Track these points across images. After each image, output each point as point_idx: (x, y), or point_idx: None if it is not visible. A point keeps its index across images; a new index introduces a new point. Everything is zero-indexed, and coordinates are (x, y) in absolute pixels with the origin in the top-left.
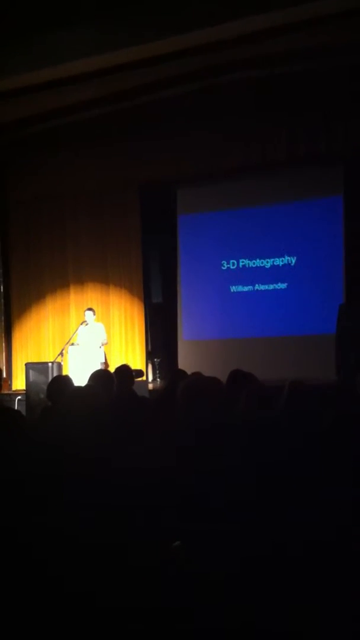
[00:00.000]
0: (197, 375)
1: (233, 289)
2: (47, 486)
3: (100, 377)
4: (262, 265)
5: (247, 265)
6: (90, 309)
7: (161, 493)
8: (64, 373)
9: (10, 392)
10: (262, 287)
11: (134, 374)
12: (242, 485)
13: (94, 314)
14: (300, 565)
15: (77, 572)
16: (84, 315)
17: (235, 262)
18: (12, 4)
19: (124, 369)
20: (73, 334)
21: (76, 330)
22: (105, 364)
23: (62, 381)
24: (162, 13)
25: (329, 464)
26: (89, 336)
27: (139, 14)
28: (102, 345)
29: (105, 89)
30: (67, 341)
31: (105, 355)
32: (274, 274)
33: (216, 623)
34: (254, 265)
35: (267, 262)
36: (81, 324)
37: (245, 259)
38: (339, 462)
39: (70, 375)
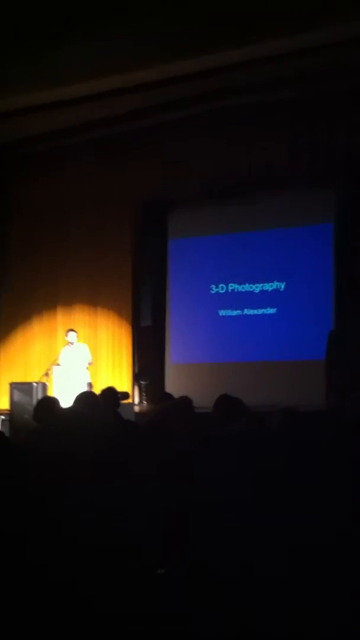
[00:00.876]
0: (179, 399)
1: (222, 312)
2: (39, 507)
3: (86, 399)
4: (251, 289)
5: (236, 290)
6: (72, 330)
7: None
8: (49, 394)
9: None
10: (251, 312)
11: (119, 396)
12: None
13: (76, 334)
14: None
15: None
16: (67, 336)
17: (225, 286)
18: (18, 24)
19: (109, 392)
20: (57, 356)
21: (61, 351)
22: (90, 384)
23: (50, 402)
24: (164, 37)
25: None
26: (74, 357)
27: (140, 37)
28: (88, 365)
29: (102, 111)
30: (52, 362)
31: (89, 376)
32: (263, 298)
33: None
34: (243, 290)
35: (257, 287)
36: (66, 345)
37: (234, 283)
38: (330, 484)
39: (56, 396)
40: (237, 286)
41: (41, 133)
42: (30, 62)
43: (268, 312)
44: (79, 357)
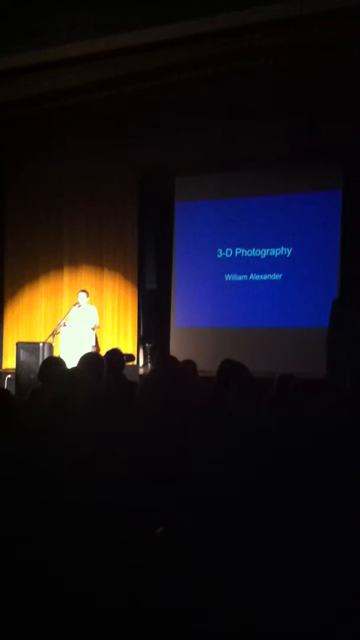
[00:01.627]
0: (183, 363)
1: (228, 277)
2: (37, 469)
3: (90, 360)
4: (257, 255)
5: (242, 254)
6: (83, 291)
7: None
8: (55, 354)
9: (0, 370)
10: (257, 277)
11: (124, 358)
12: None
13: (87, 296)
14: (297, 562)
15: (73, 564)
16: (77, 296)
17: (231, 250)
18: None
19: (114, 353)
20: (65, 316)
21: (68, 311)
22: (97, 347)
23: (55, 362)
24: None
25: (317, 461)
26: (81, 318)
27: None
28: (94, 328)
29: (106, 72)
30: (59, 322)
31: (96, 338)
32: (269, 264)
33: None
34: (249, 255)
35: (263, 252)
36: (74, 305)
37: (241, 247)
38: (327, 458)
39: (63, 357)
40: (243, 251)
41: (39, 95)
42: (23, 22)
43: (274, 278)
44: (86, 319)
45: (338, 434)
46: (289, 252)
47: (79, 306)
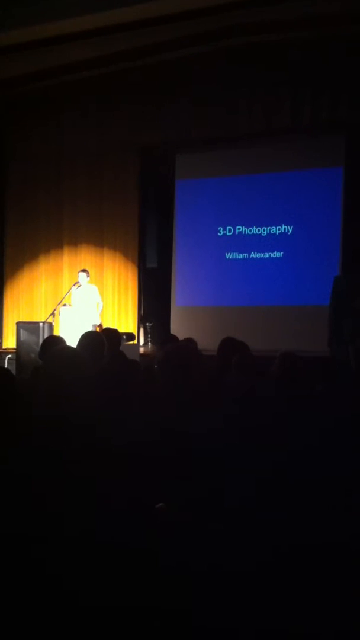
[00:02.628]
0: (183, 342)
1: (228, 256)
2: (37, 448)
3: (91, 338)
4: (258, 232)
5: (243, 233)
6: (84, 270)
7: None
8: (55, 334)
9: (0, 350)
10: (258, 255)
11: (124, 337)
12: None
13: (88, 276)
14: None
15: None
16: (78, 276)
17: (232, 228)
18: None
19: (109, 331)
20: (65, 295)
21: (68, 291)
22: (100, 326)
23: (55, 341)
24: None
25: (321, 438)
26: (82, 298)
27: None
28: (99, 307)
29: (107, 48)
30: (59, 302)
31: (100, 317)
32: (270, 242)
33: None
34: (250, 233)
35: (264, 230)
36: (74, 285)
37: (241, 225)
38: (330, 435)
39: (63, 336)
40: (244, 229)
41: (39, 71)
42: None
43: (275, 256)
44: (87, 298)
45: (342, 412)
46: (290, 230)
47: (79, 286)
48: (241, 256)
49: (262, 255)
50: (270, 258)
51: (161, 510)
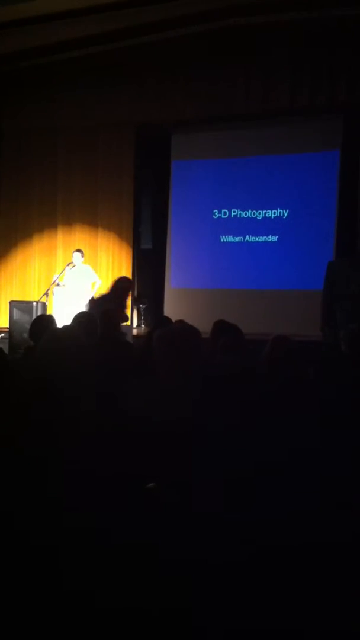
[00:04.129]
0: (176, 323)
1: (223, 239)
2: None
3: (83, 319)
4: (253, 216)
5: (238, 216)
6: (78, 251)
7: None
8: (48, 314)
9: None
10: (253, 239)
11: (119, 318)
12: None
13: (82, 256)
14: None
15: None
16: (72, 256)
17: (227, 211)
18: None
19: (109, 313)
20: (59, 275)
21: (62, 271)
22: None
23: (46, 320)
24: None
25: (308, 421)
26: (75, 278)
27: None
28: (96, 285)
29: (106, 25)
30: (52, 282)
31: (93, 299)
32: (265, 226)
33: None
34: (245, 216)
35: (259, 213)
36: (68, 265)
37: (237, 209)
38: (317, 417)
39: (55, 316)
40: (239, 212)
41: (34, 48)
42: None
43: (270, 240)
44: (81, 279)
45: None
46: (286, 214)
47: (73, 266)
48: (236, 239)
49: (257, 239)
50: (265, 242)
51: (151, 489)
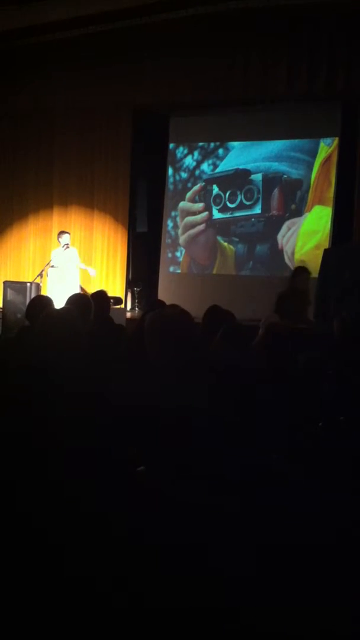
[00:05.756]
0: (168, 307)
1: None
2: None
3: (78, 300)
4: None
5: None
6: (64, 232)
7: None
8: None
9: None
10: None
11: (111, 301)
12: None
13: (69, 235)
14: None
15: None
16: (59, 237)
17: (222, 195)
18: None
19: (100, 295)
20: (52, 260)
21: (52, 252)
22: (82, 288)
23: (43, 301)
24: None
25: (300, 407)
26: (66, 259)
27: None
28: (79, 267)
29: (104, 5)
30: (47, 263)
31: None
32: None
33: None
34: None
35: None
36: (62, 247)
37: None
38: (311, 404)
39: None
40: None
41: (28, 27)
42: None
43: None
44: (70, 260)
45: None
46: None
47: (67, 247)
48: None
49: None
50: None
51: (141, 473)
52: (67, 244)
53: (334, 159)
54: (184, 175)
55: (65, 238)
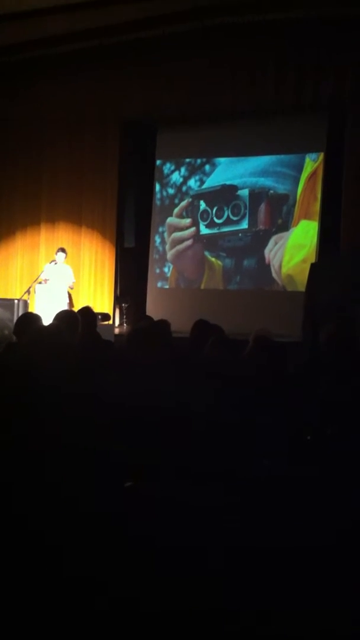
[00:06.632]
0: (144, 320)
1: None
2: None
3: (66, 316)
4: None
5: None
6: (63, 250)
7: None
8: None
9: None
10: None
11: (99, 317)
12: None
13: (66, 256)
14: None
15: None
16: (55, 254)
17: (210, 210)
18: None
19: (86, 311)
20: (41, 273)
21: (44, 268)
22: (70, 304)
23: (32, 318)
24: None
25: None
26: (57, 276)
27: None
28: (70, 287)
29: (93, 21)
30: (35, 279)
31: (70, 297)
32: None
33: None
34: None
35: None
36: (50, 262)
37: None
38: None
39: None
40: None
41: (18, 42)
42: None
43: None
44: (62, 277)
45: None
46: None
47: (55, 263)
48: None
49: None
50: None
51: (130, 489)
52: (55, 260)
53: (320, 173)
54: (171, 191)
55: (58, 255)
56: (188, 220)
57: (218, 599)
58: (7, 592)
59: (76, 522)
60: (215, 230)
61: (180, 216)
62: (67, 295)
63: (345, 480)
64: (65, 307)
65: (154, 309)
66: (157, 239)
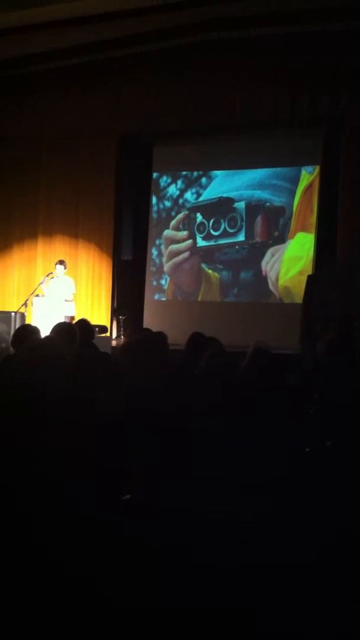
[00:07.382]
0: (140, 332)
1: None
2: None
3: (63, 329)
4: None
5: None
6: (62, 263)
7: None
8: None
9: None
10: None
11: (96, 329)
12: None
13: (65, 268)
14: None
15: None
16: (55, 267)
17: (206, 223)
18: None
19: (83, 323)
20: (38, 286)
21: (41, 281)
22: (72, 318)
23: (29, 330)
24: None
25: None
26: (56, 289)
27: None
28: (68, 300)
29: (89, 36)
30: (32, 292)
31: (74, 309)
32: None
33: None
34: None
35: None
36: (47, 275)
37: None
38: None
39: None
40: (220, 225)
41: (15, 57)
42: None
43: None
44: (61, 290)
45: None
46: None
47: (53, 277)
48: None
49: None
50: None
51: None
52: (53, 273)
53: (316, 186)
54: (167, 203)
55: (57, 268)
56: (185, 233)
57: (218, 599)
58: (7, 593)
59: (75, 528)
60: (212, 243)
61: (177, 229)
62: (69, 308)
63: (344, 491)
64: (64, 319)
65: (151, 321)
66: (154, 252)
